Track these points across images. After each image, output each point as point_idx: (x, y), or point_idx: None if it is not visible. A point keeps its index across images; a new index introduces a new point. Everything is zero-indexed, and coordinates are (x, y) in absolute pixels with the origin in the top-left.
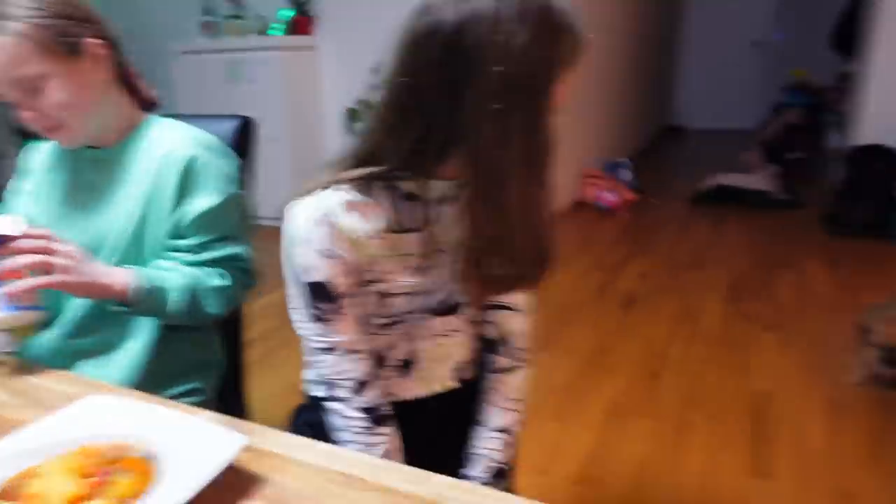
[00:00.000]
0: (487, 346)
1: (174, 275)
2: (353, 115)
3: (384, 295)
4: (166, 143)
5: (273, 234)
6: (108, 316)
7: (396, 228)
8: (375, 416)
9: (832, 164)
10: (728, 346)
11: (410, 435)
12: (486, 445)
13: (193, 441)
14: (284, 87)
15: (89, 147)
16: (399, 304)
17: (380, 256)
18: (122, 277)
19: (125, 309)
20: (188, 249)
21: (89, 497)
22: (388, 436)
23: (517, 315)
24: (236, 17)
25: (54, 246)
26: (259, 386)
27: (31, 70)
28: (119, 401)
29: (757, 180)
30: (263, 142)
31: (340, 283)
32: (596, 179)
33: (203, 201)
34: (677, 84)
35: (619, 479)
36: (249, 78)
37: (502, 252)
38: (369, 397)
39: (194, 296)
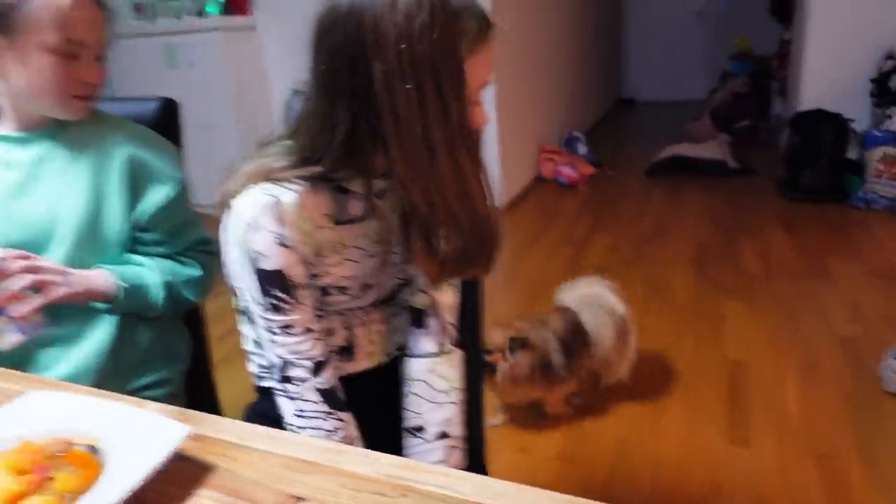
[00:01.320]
0: (415, 320)
1: (151, 272)
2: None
3: (326, 290)
4: (101, 138)
5: (215, 221)
6: (70, 306)
7: (339, 220)
8: (333, 400)
9: (779, 130)
10: (699, 316)
11: (355, 406)
12: (429, 457)
13: (137, 433)
14: (226, 70)
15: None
16: (338, 299)
17: (326, 248)
18: (104, 280)
19: (107, 307)
20: (156, 242)
21: (29, 493)
22: (346, 422)
23: (446, 287)
24: None
25: (38, 263)
26: (226, 387)
27: None
28: (60, 396)
29: (709, 149)
30: (207, 129)
31: (296, 272)
32: (553, 155)
33: (155, 196)
34: (627, 57)
35: (599, 456)
36: (188, 62)
37: (447, 227)
38: (326, 378)
39: (172, 288)
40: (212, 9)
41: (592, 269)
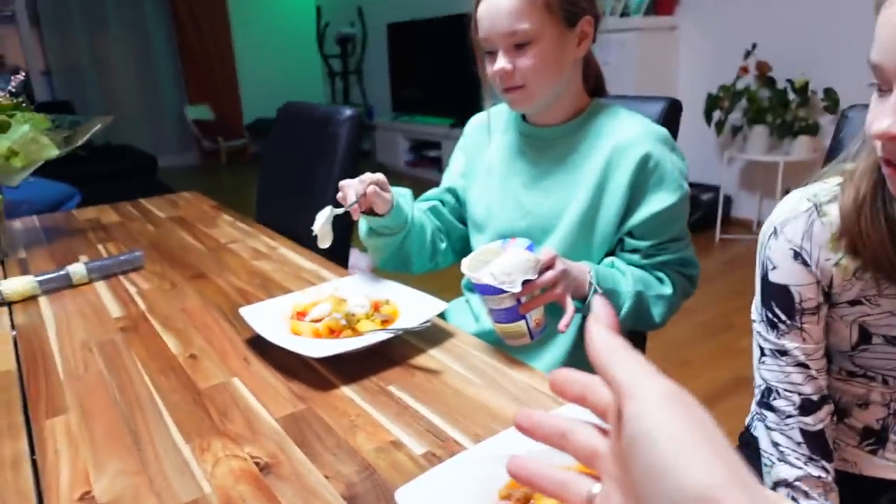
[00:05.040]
0: None
1: (627, 279)
2: (713, 102)
3: (866, 333)
4: (618, 134)
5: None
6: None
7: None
8: (819, 446)
9: None
10: None
11: None
12: None
13: None
14: (639, 69)
15: (527, 123)
16: (885, 352)
17: (859, 275)
18: (585, 279)
19: (579, 305)
20: (635, 250)
21: None
22: (829, 472)
23: None
24: None
25: (559, 272)
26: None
27: (528, 26)
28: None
29: None
30: None
31: (806, 294)
32: None
33: (658, 201)
34: None
35: None
36: (604, 60)
37: None
38: (816, 419)
39: (641, 301)
40: (636, 10)
41: None
